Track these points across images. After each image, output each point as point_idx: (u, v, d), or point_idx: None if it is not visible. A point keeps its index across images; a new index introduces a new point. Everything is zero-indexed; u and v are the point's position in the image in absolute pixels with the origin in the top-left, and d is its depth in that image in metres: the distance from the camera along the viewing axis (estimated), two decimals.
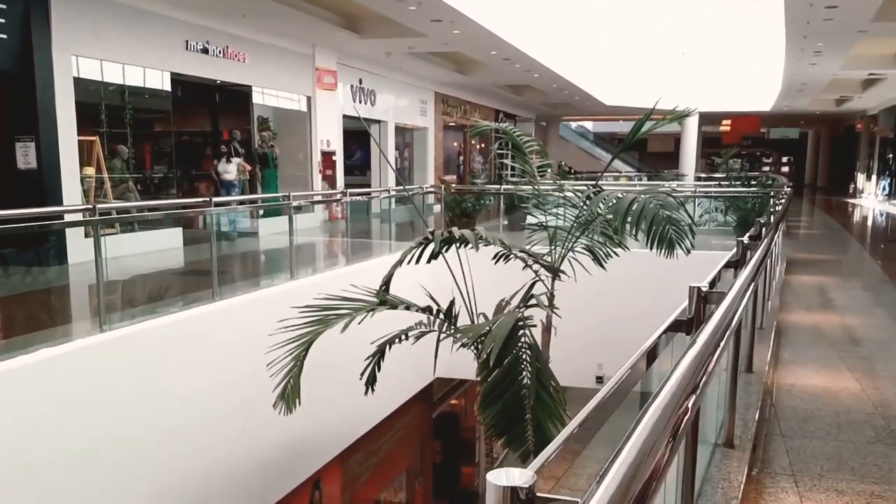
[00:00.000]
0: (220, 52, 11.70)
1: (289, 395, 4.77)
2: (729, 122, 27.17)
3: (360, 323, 4.80)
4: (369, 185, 16.86)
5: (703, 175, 23.28)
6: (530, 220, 7.14)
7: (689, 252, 5.26)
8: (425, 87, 18.70)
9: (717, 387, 3.13)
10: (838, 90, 20.94)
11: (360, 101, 15.76)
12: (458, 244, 5.25)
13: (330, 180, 14.38)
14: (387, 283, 5.32)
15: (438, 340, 5.08)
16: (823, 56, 14.42)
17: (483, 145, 23.92)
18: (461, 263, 5.32)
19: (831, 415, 3.71)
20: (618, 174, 27.50)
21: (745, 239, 4.28)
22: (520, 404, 4.79)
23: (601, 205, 5.48)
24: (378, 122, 16.82)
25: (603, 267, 6.04)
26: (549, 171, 7.08)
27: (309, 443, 7.59)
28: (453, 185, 12.14)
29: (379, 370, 5.31)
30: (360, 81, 15.71)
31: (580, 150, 32.84)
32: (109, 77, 9.95)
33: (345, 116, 15.37)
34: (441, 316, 5.27)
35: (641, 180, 24.62)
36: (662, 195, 5.62)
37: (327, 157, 14.35)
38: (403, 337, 5.31)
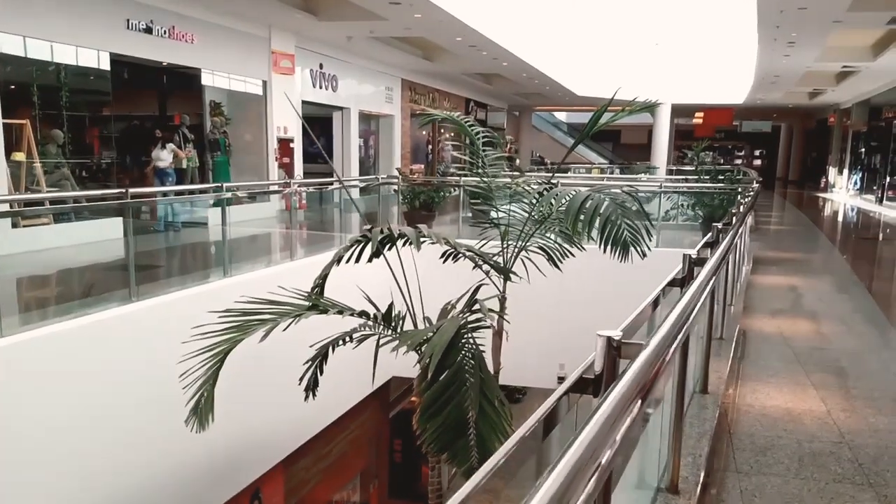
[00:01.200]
0: (165, 32, 11.00)
1: (202, 410, 4.26)
2: (702, 114, 26.94)
3: (284, 330, 4.30)
4: (332, 174, 16.24)
5: (675, 168, 23.02)
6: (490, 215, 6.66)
7: (644, 255, 4.82)
8: (391, 74, 18.09)
9: (661, 418, 2.69)
10: (812, 83, 20.74)
11: (321, 87, 15.12)
12: (398, 242, 4.77)
13: (287, 168, 13.75)
14: (319, 285, 4.84)
15: (377, 347, 4.63)
16: (797, 47, 14.11)
17: (453, 134, 23.38)
18: (407, 262, 4.87)
19: (794, 444, 3.28)
20: (590, 165, 27.18)
21: (694, 252, 3.83)
22: (463, 418, 4.34)
23: (552, 202, 5.01)
24: (340, 108, 16.19)
25: (558, 268, 5.59)
26: (506, 163, 6.62)
27: (246, 451, 7.08)
28: (413, 176, 11.61)
29: (321, 374, 4.87)
30: (321, 66, 15.06)
31: (553, 140, 32.44)
32: (39, 55, 9.25)
33: (305, 102, 14.73)
34: (380, 320, 4.82)
35: (613, 172, 24.33)
36: (620, 193, 5.15)
37: (284, 144, 13.71)
38: (348, 339, 4.87)
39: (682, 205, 10.40)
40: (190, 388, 4.14)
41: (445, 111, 6.30)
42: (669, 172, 22.81)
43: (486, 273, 5.41)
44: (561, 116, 35.75)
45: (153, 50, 10.87)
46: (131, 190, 6.72)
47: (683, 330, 2.04)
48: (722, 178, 11.76)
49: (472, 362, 4.49)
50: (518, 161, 25.82)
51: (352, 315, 4.75)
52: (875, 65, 15.91)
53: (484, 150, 6.48)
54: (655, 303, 2.54)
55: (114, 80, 10.52)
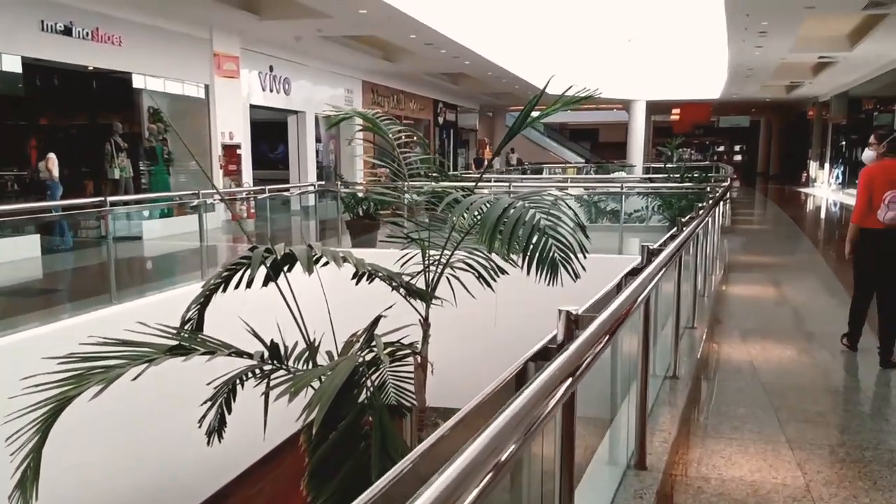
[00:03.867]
0: (87, 34, 10.13)
1: (28, 482, 3.41)
2: (678, 111, 26.32)
3: (134, 379, 3.48)
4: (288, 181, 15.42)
5: (652, 166, 22.34)
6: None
7: (577, 277, 4.03)
8: (350, 76, 17.26)
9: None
10: (788, 75, 20.13)
11: (272, 90, 14.28)
12: (283, 266, 3.98)
13: (234, 176, 12.89)
14: (190, 320, 4.02)
15: (267, 391, 3.84)
16: (770, 37, 13.43)
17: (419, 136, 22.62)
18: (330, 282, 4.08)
19: None
20: (566, 165, 26.51)
21: (654, 244, 3.08)
22: (365, 480, 3.51)
23: (465, 215, 4.19)
24: (295, 112, 15.33)
25: (490, 288, 4.79)
26: (429, 167, 5.81)
27: (158, 497, 6.22)
28: (356, 183, 10.79)
29: (230, 412, 4.07)
30: (271, 69, 14.22)
31: (529, 140, 31.69)
32: None
33: (255, 107, 13.89)
34: (266, 359, 4.03)
35: (590, 171, 23.63)
36: (551, 201, 4.35)
37: (230, 150, 12.85)
38: (241, 380, 4.06)
39: (647, 207, 9.65)
40: (18, 455, 3.31)
41: (371, 115, 5.47)
42: (647, 171, 22.15)
43: (404, 297, 4.62)
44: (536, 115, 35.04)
45: (74, 53, 10.00)
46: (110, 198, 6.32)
47: (637, 302, 2.14)
48: (695, 175, 11.05)
49: (372, 412, 3.72)
50: (495, 164, 25.04)
51: (229, 355, 3.94)
52: (853, 55, 15.28)
53: (404, 153, 5.71)
54: (618, 289, 2.41)
55: (27, 86, 9.65)
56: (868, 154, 4.95)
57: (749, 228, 14.03)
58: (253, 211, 12.00)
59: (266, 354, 4.06)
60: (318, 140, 16.31)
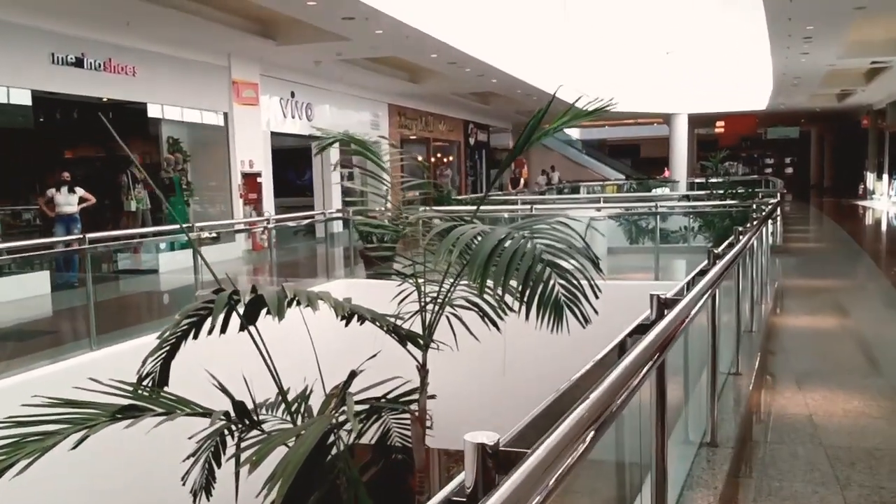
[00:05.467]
0: (99, 65, 9.94)
1: None
2: (722, 123, 25.22)
3: (74, 448, 2.95)
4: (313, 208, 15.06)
5: (696, 181, 21.31)
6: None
7: (586, 324, 3.35)
8: (376, 99, 16.90)
9: None
10: (839, 83, 18.97)
11: (294, 116, 13.97)
12: (256, 309, 3.44)
13: (255, 205, 12.56)
14: (150, 375, 3.52)
15: (237, 454, 3.30)
16: (815, 43, 12.50)
17: (451, 158, 22.10)
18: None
19: None
20: (604, 183, 25.66)
21: (666, 292, 2.43)
22: None
23: (451, 248, 3.54)
24: (318, 138, 14.98)
25: (496, 326, 4.12)
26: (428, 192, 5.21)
27: None
28: (377, 211, 10.23)
29: (219, 466, 3.57)
30: (293, 94, 13.93)
31: (566, 158, 30.91)
32: None
33: (276, 134, 13.59)
34: (233, 419, 3.50)
35: (632, 189, 22.72)
36: (558, 228, 3.66)
37: (250, 179, 12.54)
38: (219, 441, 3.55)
39: (688, 227, 8.84)
40: None
41: (364, 138, 4.93)
42: (690, 186, 21.15)
43: (400, 341, 4.01)
44: (574, 133, 34.28)
45: (86, 85, 9.82)
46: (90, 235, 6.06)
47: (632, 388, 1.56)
48: (740, 191, 10.16)
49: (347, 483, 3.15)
50: (523, 183, 24.36)
51: (190, 415, 3.40)
52: None
53: (405, 179, 5.13)
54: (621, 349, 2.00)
55: (37, 118, 9.46)
56: None
57: (803, 247, 12.97)
58: (275, 241, 11.62)
59: (231, 414, 3.51)
60: (343, 166, 15.94)
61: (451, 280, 4.07)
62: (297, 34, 11.26)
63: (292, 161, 16.07)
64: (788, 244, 12.55)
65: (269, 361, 3.57)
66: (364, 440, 4.08)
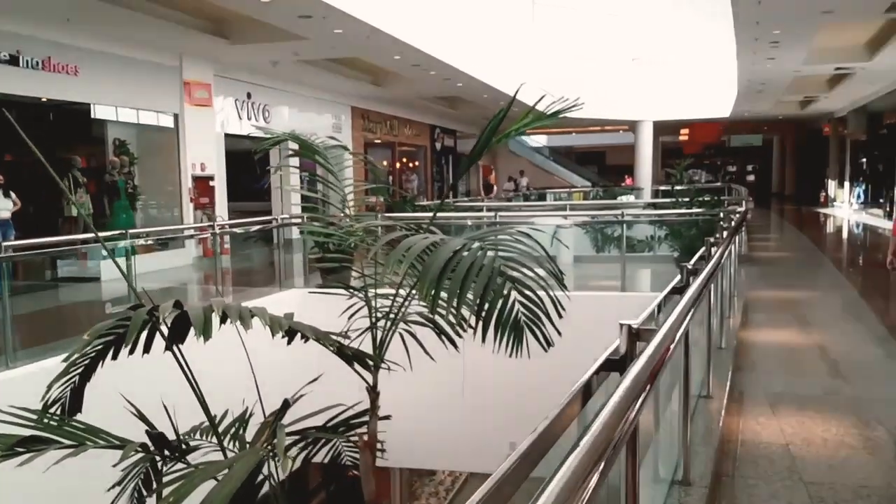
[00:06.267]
0: (37, 63, 9.33)
1: None
2: (687, 130, 25.30)
3: None
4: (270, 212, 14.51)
5: (661, 189, 21.28)
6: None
7: (548, 347, 2.98)
8: (338, 102, 16.42)
9: None
10: (802, 90, 19.08)
11: (251, 118, 13.44)
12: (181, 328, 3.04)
13: (207, 209, 12.00)
14: (58, 401, 3.12)
15: (160, 490, 2.92)
16: (782, 48, 12.43)
17: (417, 163, 21.72)
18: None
19: None
20: (571, 190, 25.52)
21: (636, 321, 2.07)
22: None
23: (401, 259, 3.13)
24: (260, 139, 14.46)
25: (454, 345, 3.72)
26: (381, 197, 4.79)
27: None
28: (340, 215, 9.79)
29: (150, 494, 3.15)
30: (249, 96, 13.40)
31: (533, 165, 30.76)
32: None
33: (231, 136, 13.04)
34: (152, 451, 3.12)
35: (598, 196, 22.61)
36: (519, 236, 3.29)
37: (202, 182, 11.98)
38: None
39: (654, 237, 8.58)
40: None
41: (310, 139, 4.51)
42: (655, 194, 21.12)
43: (348, 362, 3.62)
44: (542, 140, 34.19)
45: (21, 84, 9.19)
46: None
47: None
48: (706, 199, 9.96)
49: None
50: (494, 188, 24.17)
51: (102, 447, 2.99)
52: (872, 65, 14.23)
53: (358, 183, 4.75)
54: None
55: None
56: None
57: (768, 256, 12.87)
58: (227, 247, 11.12)
59: (151, 448, 3.10)
60: (303, 169, 15.44)
61: (405, 294, 3.68)
62: (252, 33, 10.77)
63: (250, 164, 15.50)
64: (753, 252, 12.43)
65: (195, 385, 3.16)
66: (317, 458, 3.72)
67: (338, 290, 3.82)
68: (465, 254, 3.00)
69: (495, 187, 25.59)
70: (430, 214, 7.22)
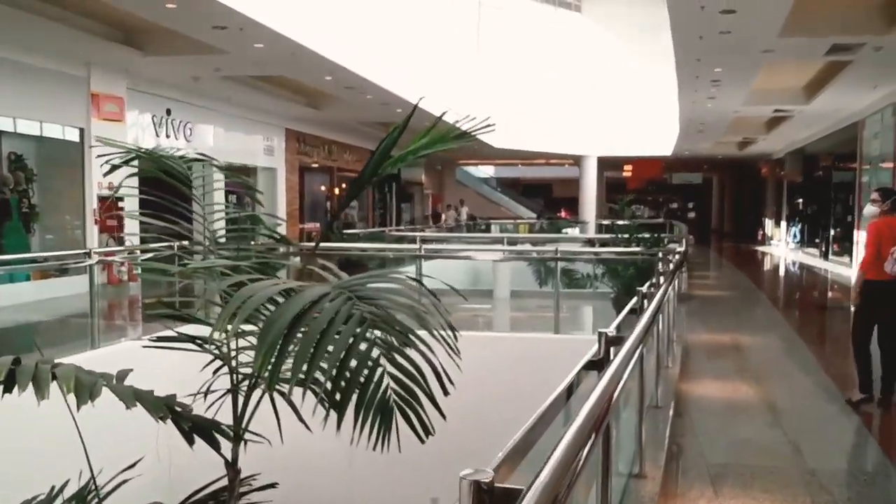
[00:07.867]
0: None
1: None
2: (630, 167, 25.40)
3: None
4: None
5: (604, 223, 21.09)
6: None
7: (426, 438, 2.29)
8: (270, 123, 15.59)
9: None
10: (741, 131, 19.25)
11: (169, 136, 12.49)
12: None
13: (113, 232, 10.97)
14: None
15: None
16: (723, 87, 12.30)
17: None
18: None
19: None
20: (518, 221, 25.18)
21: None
22: None
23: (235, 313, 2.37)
24: (196, 160, 13.53)
25: (337, 411, 2.95)
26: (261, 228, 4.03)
27: None
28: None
29: None
30: (168, 112, 12.47)
31: (480, 195, 30.44)
32: None
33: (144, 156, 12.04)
34: None
35: (542, 229, 22.27)
36: (398, 281, 2.59)
37: (109, 203, 10.94)
38: None
39: (592, 274, 8.05)
40: None
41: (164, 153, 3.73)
42: (599, 228, 20.92)
43: (185, 436, 2.80)
44: (489, 170, 33.98)
45: None
46: None
47: None
48: (646, 236, 9.52)
49: None
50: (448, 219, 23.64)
51: None
52: (809, 108, 14.30)
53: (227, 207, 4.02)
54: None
55: None
56: (871, 209, 5.25)
57: (709, 295, 12.55)
58: (136, 273, 10.14)
59: None
60: (231, 192, 14.50)
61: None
62: (168, 45, 9.93)
63: (170, 185, 14.47)
64: (692, 290, 12.10)
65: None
66: None
67: (182, 344, 3.03)
68: (328, 305, 2.26)
69: (444, 216, 25.31)
70: (372, 245, 6.38)
